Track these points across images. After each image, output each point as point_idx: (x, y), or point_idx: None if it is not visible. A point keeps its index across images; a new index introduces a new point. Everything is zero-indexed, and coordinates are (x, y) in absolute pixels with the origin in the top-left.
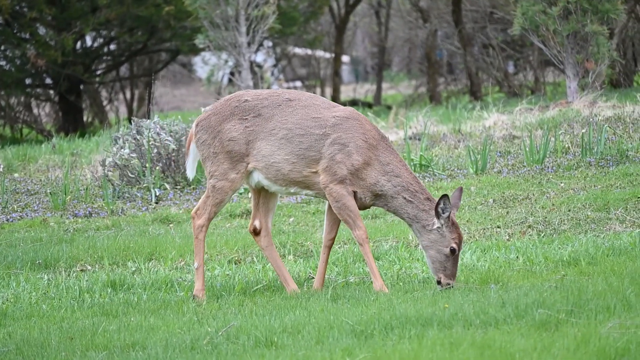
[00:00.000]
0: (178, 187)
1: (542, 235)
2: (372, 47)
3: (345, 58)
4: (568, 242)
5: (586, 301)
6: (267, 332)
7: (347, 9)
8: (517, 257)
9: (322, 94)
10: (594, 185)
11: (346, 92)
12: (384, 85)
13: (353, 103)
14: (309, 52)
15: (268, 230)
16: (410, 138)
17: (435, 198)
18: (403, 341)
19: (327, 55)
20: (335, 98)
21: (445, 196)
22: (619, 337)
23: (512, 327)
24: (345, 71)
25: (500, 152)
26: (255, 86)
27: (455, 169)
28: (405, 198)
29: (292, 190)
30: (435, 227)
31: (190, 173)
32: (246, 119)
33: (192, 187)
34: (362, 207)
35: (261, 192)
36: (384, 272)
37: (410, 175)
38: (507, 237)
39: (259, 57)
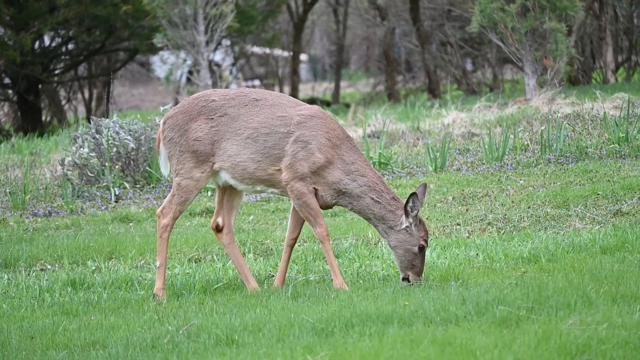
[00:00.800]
0: (137, 185)
1: (502, 232)
2: (330, 46)
3: (303, 56)
4: (528, 239)
5: (546, 298)
6: (228, 331)
7: (305, 8)
8: (477, 254)
9: (281, 92)
10: (553, 182)
11: (305, 91)
12: (343, 83)
13: (311, 101)
14: (267, 50)
15: (231, 227)
16: (369, 136)
17: (400, 197)
18: (364, 339)
19: (286, 53)
20: (293, 96)
21: (414, 194)
22: (580, 333)
23: (472, 324)
24: (304, 70)
25: (459, 150)
26: (214, 85)
27: (415, 167)
28: (372, 198)
29: (258, 189)
30: (403, 226)
31: (165, 170)
32: (212, 118)
33: (151, 185)
34: (325, 206)
35: (226, 190)
36: (344, 270)
37: (375, 175)
38: (467, 235)
39: (218, 56)
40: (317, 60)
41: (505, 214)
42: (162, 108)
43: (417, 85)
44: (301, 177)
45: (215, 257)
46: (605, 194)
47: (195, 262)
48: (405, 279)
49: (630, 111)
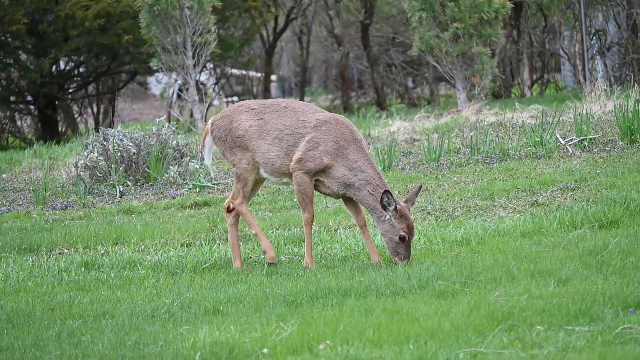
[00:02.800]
0: (138, 184)
1: (439, 220)
2: (295, 67)
3: (273, 77)
4: (461, 226)
5: (477, 274)
6: (214, 303)
7: (275, 36)
8: (419, 238)
9: None
10: (481, 179)
11: None
12: (306, 99)
13: None
14: (244, 72)
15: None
16: None
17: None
18: (326, 308)
19: (259, 74)
20: None
21: (386, 192)
22: (505, 303)
23: (416, 296)
24: (274, 88)
25: (403, 153)
26: (200, 101)
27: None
28: (368, 191)
29: (284, 181)
30: (386, 218)
31: (208, 161)
32: (252, 120)
33: (149, 184)
34: (335, 195)
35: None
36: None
37: (375, 172)
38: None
39: (203, 77)
40: (285, 80)
41: (442, 205)
42: (157, 120)
43: (367, 100)
44: (306, 171)
45: (203, 242)
46: (524, 188)
47: (186, 247)
48: (395, 263)
49: (543, 119)
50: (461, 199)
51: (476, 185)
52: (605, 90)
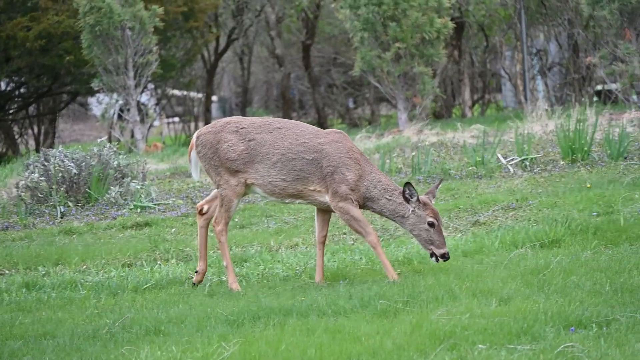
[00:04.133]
0: (79, 204)
1: (381, 239)
2: (236, 88)
3: (214, 97)
4: (402, 245)
5: (419, 293)
6: (155, 323)
7: (216, 57)
8: (360, 258)
9: (196, 128)
10: None
11: None
12: None
13: None
14: (185, 92)
15: (210, 216)
16: None
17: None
18: (268, 328)
19: (200, 95)
20: None
21: (407, 184)
22: (447, 322)
23: (358, 315)
24: (215, 108)
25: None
26: (142, 122)
27: None
28: (387, 198)
29: (286, 201)
30: (410, 212)
31: (195, 176)
32: (243, 142)
33: (90, 204)
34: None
35: None
36: (251, 273)
37: (387, 178)
38: (352, 242)
39: (144, 98)
40: (226, 100)
41: (383, 225)
42: (99, 140)
43: (308, 120)
44: (344, 197)
45: (144, 262)
46: (465, 208)
47: (128, 267)
48: (432, 254)
49: (485, 139)
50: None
51: None
52: (547, 110)
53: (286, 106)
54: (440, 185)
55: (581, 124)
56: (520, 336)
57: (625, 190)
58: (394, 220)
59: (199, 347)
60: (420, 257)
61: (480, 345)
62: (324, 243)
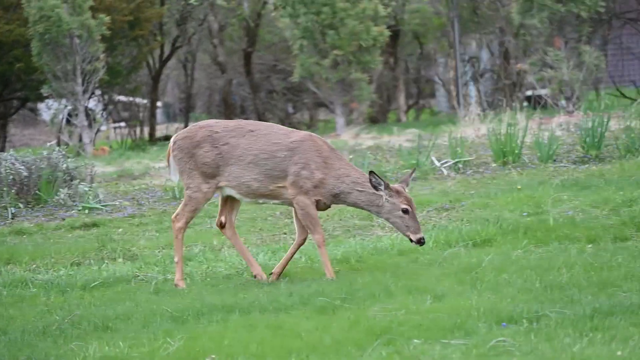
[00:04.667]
0: (29, 205)
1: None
2: (180, 94)
3: (159, 103)
4: (340, 245)
5: (356, 290)
6: (103, 319)
7: (160, 64)
8: (300, 256)
9: (141, 134)
10: None
11: (160, 130)
12: (191, 124)
13: (166, 138)
14: (131, 98)
15: (232, 223)
16: None
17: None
18: (212, 324)
19: (145, 101)
20: (151, 135)
21: (371, 172)
22: (383, 318)
23: (298, 312)
24: (159, 113)
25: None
26: (89, 126)
27: None
28: (358, 190)
29: (260, 202)
30: (383, 200)
31: (175, 178)
32: (217, 147)
33: (40, 205)
34: (325, 208)
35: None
36: (195, 271)
37: (357, 171)
38: (292, 241)
39: (91, 103)
40: (170, 106)
41: (322, 225)
42: (48, 144)
43: None
44: (305, 192)
45: (92, 261)
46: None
47: (76, 266)
48: (411, 241)
49: (419, 143)
50: (340, 219)
51: None
52: (479, 114)
53: (228, 111)
54: (413, 174)
55: (512, 128)
56: (453, 331)
57: (555, 192)
58: (370, 211)
59: (145, 343)
60: (357, 255)
61: (415, 340)
62: (300, 245)
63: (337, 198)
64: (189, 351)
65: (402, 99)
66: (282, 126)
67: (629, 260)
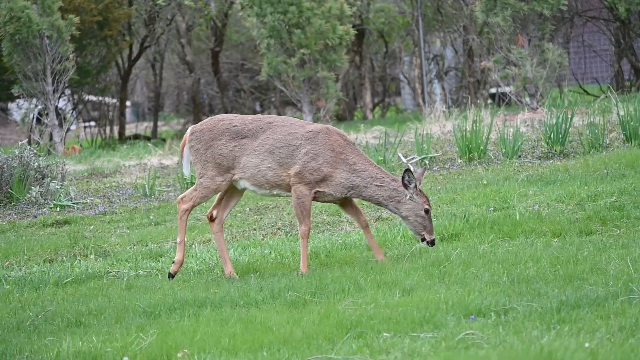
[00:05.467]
0: (1, 204)
1: (289, 235)
2: (149, 93)
3: (128, 102)
4: (310, 240)
5: (326, 285)
6: (76, 315)
7: (129, 63)
8: (270, 252)
9: (111, 132)
10: None
11: (130, 129)
12: (159, 123)
13: (135, 137)
14: (100, 98)
15: (221, 220)
16: None
17: (397, 178)
18: (184, 319)
19: (114, 100)
20: (121, 134)
21: (407, 170)
22: (353, 311)
23: (269, 306)
24: (129, 112)
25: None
26: (60, 125)
27: None
28: (376, 185)
29: (274, 193)
30: (407, 197)
31: (187, 171)
32: (235, 139)
33: (12, 204)
34: (337, 200)
35: (228, 191)
36: (167, 267)
37: (376, 167)
38: (262, 237)
39: (62, 103)
40: (139, 105)
41: (291, 221)
42: (20, 143)
43: None
44: (307, 183)
45: (65, 258)
46: (369, 204)
47: (49, 263)
48: (423, 240)
49: (386, 140)
50: None
51: (323, 203)
52: (444, 111)
53: (196, 110)
54: (425, 174)
55: (477, 124)
56: (422, 324)
57: (520, 187)
58: (387, 206)
59: (118, 338)
60: (326, 250)
61: (385, 334)
62: (367, 227)
63: (351, 191)
64: (162, 346)
65: (368, 97)
66: (298, 119)
67: (595, 254)
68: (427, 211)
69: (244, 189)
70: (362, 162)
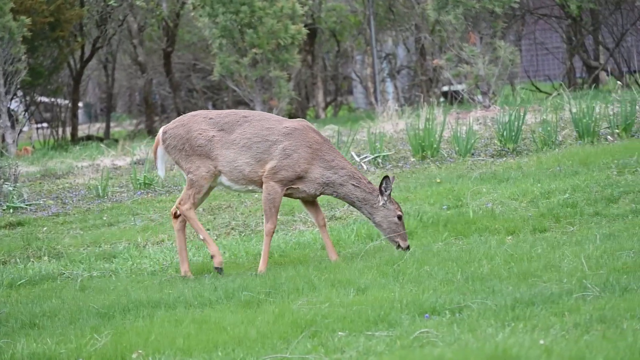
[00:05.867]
0: None
1: (243, 235)
2: (101, 94)
3: (80, 104)
4: (263, 240)
5: (280, 284)
6: (30, 317)
7: (81, 64)
8: (224, 252)
9: (64, 134)
10: None
11: (82, 130)
12: (112, 123)
13: (88, 138)
14: (53, 99)
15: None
16: (136, 163)
17: (373, 183)
18: (138, 320)
19: (67, 101)
20: (74, 135)
21: (386, 177)
22: (308, 311)
23: (223, 306)
24: (81, 113)
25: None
26: (12, 127)
27: (172, 186)
28: (353, 184)
29: (250, 188)
30: (381, 204)
31: (162, 172)
32: (212, 131)
33: None
34: (310, 196)
35: None
36: (120, 268)
37: (352, 167)
38: (215, 237)
39: (14, 104)
40: (91, 106)
41: (245, 221)
42: None
43: None
44: (280, 180)
45: (18, 260)
46: (322, 203)
47: (2, 264)
48: (398, 247)
49: (339, 138)
50: (262, 215)
51: None
52: (397, 110)
53: (149, 110)
54: (388, 182)
55: (430, 123)
56: (377, 323)
57: (473, 185)
58: (360, 208)
59: (73, 339)
60: (280, 250)
61: (340, 333)
62: (324, 226)
63: (326, 188)
64: (116, 347)
65: (320, 96)
66: (272, 114)
67: (548, 251)
68: (399, 217)
69: (213, 187)
70: (340, 159)
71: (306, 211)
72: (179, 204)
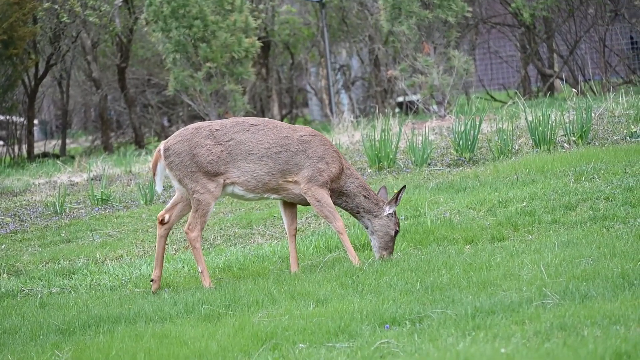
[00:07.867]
0: None
1: (202, 249)
2: (56, 111)
3: (36, 121)
4: (222, 253)
5: (240, 297)
6: None
7: (36, 82)
8: (183, 266)
9: (20, 151)
10: (239, 209)
11: (38, 147)
12: (68, 140)
13: (44, 155)
14: (7, 117)
15: (171, 226)
16: (93, 179)
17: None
18: (99, 335)
19: (22, 119)
20: (30, 153)
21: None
22: (268, 323)
23: (183, 321)
24: (37, 130)
25: (164, 187)
26: None
27: (129, 201)
28: (364, 195)
29: (265, 196)
30: (386, 213)
31: (159, 187)
32: (221, 143)
33: None
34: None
35: (185, 198)
36: (79, 284)
37: (362, 177)
38: (174, 252)
39: None
40: (47, 123)
41: (203, 234)
42: None
43: (126, 139)
44: (321, 185)
45: None
46: (280, 216)
47: None
48: (381, 257)
49: None
50: (221, 228)
51: (234, 215)
52: (352, 121)
53: (104, 126)
54: (403, 193)
55: (386, 133)
56: (338, 334)
57: (431, 194)
58: (362, 218)
59: (34, 356)
60: (239, 263)
61: (300, 345)
62: (295, 235)
63: (339, 198)
64: None
65: (275, 109)
66: (281, 122)
67: (507, 260)
68: (396, 232)
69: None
70: (352, 169)
71: (283, 215)
72: (188, 229)
